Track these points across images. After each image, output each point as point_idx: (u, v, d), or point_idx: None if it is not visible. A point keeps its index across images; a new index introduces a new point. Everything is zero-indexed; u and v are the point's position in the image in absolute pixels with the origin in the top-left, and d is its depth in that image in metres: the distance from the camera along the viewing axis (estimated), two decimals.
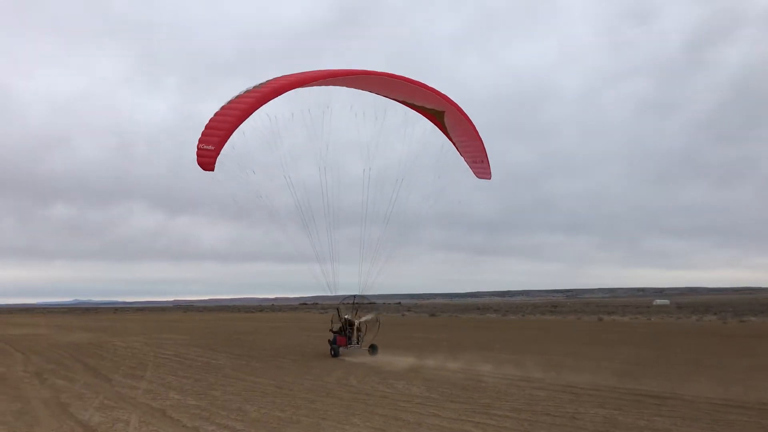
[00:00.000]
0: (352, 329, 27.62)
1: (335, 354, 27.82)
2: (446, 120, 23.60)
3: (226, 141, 19.81)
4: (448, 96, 22.96)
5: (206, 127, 20.48)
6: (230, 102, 20.70)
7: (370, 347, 27.92)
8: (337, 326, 28.35)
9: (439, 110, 23.03)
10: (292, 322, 75.79)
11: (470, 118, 23.87)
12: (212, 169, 20.23)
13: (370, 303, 28.16)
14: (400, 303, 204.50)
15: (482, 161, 24.53)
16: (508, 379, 20.69)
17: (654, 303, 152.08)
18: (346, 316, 28.19)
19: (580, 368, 23.63)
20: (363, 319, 28.35)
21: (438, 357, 27.71)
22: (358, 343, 27.80)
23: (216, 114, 20.61)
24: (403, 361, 25.98)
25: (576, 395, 17.32)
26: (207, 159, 20.00)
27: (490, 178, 25.12)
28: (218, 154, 19.90)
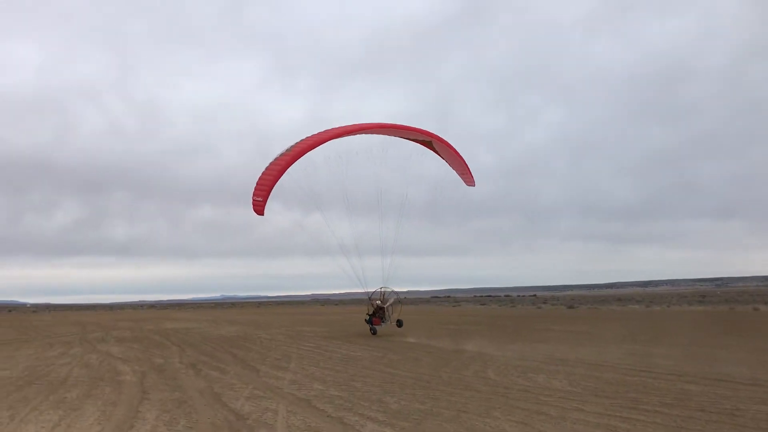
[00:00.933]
0: (383, 311, 33.84)
1: (374, 332, 34.90)
2: (435, 146, 30.15)
3: (269, 193, 27.15)
4: (431, 131, 30.27)
5: (257, 183, 27.83)
6: (270, 163, 27.82)
7: (397, 322, 34.82)
8: (372, 310, 34.46)
9: (427, 140, 29.77)
10: (425, 315, 76.24)
11: (452, 144, 30.71)
12: (263, 214, 28.16)
13: (393, 291, 34.90)
14: (535, 295, 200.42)
15: (465, 173, 31.01)
16: (656, 372, 19.67)
17: None
18: (377, 302, 34.27)
19: (737, 361, 22.06)
20: (389, 303, 34.67)
21: (578, 350, 26.90)
22: (389, 320, 34.13)
23: (262, 173, 27.73)
24: (541, 353, 25.43)
25: (734, 390, 16.17)
26: (258, 207, 27.83)
27: (474, 185, 31.87)
28: (265, 202, 27.48)
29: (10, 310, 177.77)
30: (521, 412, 13.76)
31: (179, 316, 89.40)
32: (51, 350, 31.03)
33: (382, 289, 34.47)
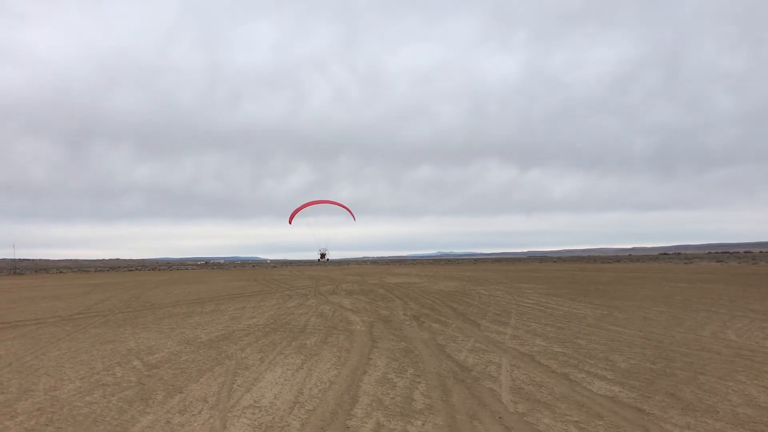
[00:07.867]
0: (324, 256, 58.43)
1: (318, 260, 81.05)
2: (345, 209, 54.29)
3: (294, 216, 52.74)
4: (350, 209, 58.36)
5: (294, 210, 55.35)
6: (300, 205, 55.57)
7: (326, 260, 60.10)
8: (320, 253, 60.19)
9: (345, 207, 54.61)
10: (653, 272, 71.93)
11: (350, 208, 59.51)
12: (290, 223, 55.37)
13: (325, 249, 59.66)
14: None
15: (350, 214, 56.32)
16: None
17: None
18: (321, 251, 61.28)
19: None
20: (326, 253, 60.48)
21: None
22: (324, 259, 60.32)
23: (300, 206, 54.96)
24: None
25: None
26: (290, 219, 51.34)
27: (354, 220, 59.30)
28: (293, 217, 52.81)
29: (254, 266, 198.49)
30: None
31: (399, 271, 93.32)
32: (290, 301, 34.13)
33: (324, 247, 63.30)
